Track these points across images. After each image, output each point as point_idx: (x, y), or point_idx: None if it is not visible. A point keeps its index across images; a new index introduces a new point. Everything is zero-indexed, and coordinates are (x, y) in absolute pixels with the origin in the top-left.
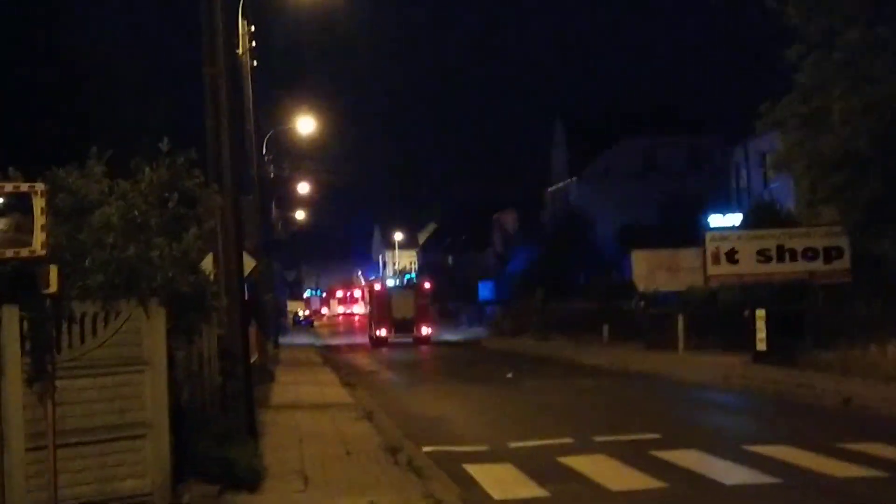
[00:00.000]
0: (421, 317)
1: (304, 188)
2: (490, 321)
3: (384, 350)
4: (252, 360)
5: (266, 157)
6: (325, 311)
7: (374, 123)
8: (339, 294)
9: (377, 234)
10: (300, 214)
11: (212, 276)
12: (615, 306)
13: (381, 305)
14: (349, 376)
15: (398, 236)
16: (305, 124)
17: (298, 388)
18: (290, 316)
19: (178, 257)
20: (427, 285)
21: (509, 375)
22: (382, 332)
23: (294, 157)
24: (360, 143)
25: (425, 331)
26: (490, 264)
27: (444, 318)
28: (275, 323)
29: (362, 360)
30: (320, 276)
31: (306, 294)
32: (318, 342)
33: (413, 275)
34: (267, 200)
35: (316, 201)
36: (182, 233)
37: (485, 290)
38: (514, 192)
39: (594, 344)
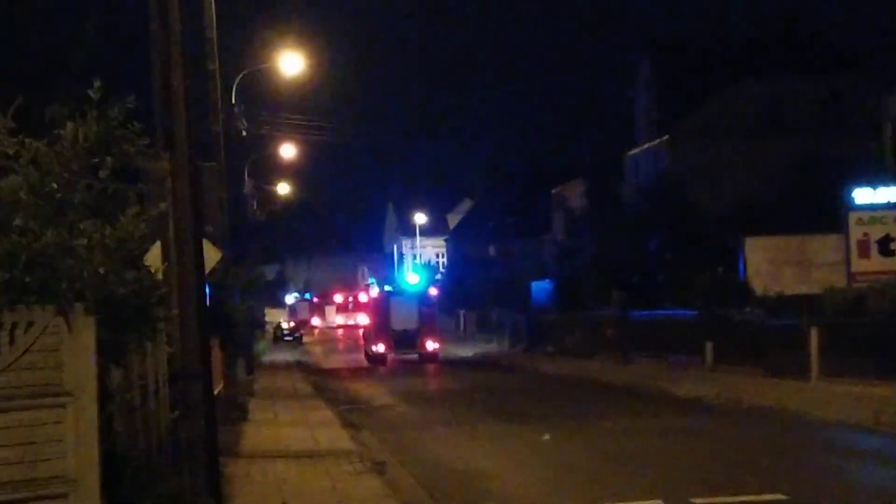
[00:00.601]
0: (426, 329)
1: (288, 152)
2: (546, 334)
3: (398, 376)
4: (216, 391)
5: (237, 109)
6: (316, 321)
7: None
8: (338, 299)
9: (391, 216)
10: (283, 188)
11: (160, 274)
12: (722, 316)
13: (378, 316)
14: (351, 412)
15: (420, 219)
16: (291, 63)
17: (281, 429)
18: (270, 329)
19: (112, 247)
20: (433, 291)
21: (546, 437)
22: (380, 348)
23: (276, 109)
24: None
25: (431, 346)
26: (548, 257)
27: (484, 329)
28: (248, 338)
29: (369, 390)
30: (311, 275)
31: (290, 298)
32: (308, 361)
33: (435, 273)
34: (237, 169)
35: (306, 171)
36: (119, 214)
37: (540, 293)
38: (582, 158)
39: (693, 368)
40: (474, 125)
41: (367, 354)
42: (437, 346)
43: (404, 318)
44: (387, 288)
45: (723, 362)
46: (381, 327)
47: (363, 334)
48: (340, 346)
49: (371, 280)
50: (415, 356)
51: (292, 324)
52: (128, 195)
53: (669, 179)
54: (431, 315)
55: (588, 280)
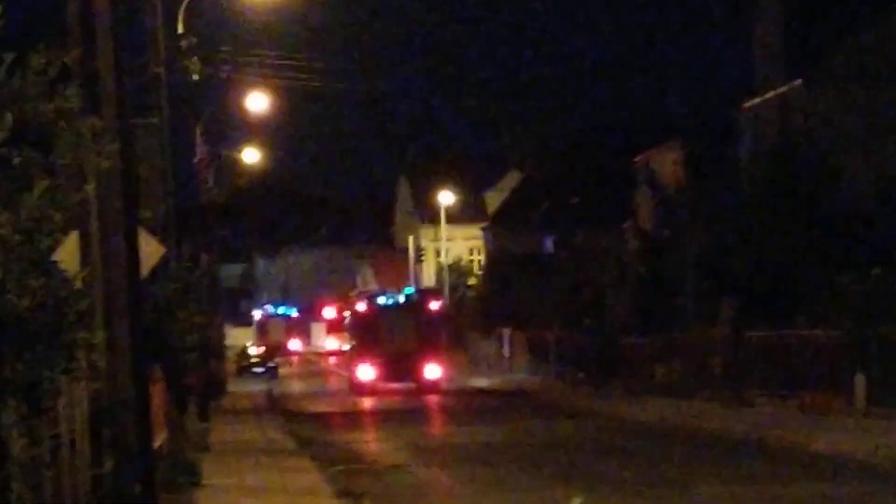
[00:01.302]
0: (426, 352)
1: (259, 104)
2: (626, 364)
3: (412, 423)
4: (157, 444)
5: (185, 43)
6: (296, 344)
7: None
8: (329, 314)
9: (404, 196)
10: (252, 156)
11: (78, 280)
12: (881, 337)
13: (365, 335)
14: (349, 475)
15: (446, 198)
16: None
17: (247, 499)
18: (232, 355)
19: (12, 242)
20: (435, 304)
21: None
22: (367, 375)
23: (242, 42)
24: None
25: (432, 373)
26: (629, 254)
27: (538, 356)
28: (202, 370)
29: (374, 443)
30: (290, 279)
31: (258, 313)
32: (284, 401)
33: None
34: (186, 129)
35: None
36: (22, 193)
37: (617, 306)
38: (676, 114)
39: (837, 411)
40: (523, 69)
41: (351, 383)
42: (439, 372)
43: (398, 338)
44: (379, 300)
45: (880, 403)
46: (368, 349)
47: (347, 358)
48: (331, 380)
49: (379, 296)
50: (411, 385)
51: (263, 349)
52: (35, 168)
53: (804, 141)
54: (434, 334)
55: (687, 286)
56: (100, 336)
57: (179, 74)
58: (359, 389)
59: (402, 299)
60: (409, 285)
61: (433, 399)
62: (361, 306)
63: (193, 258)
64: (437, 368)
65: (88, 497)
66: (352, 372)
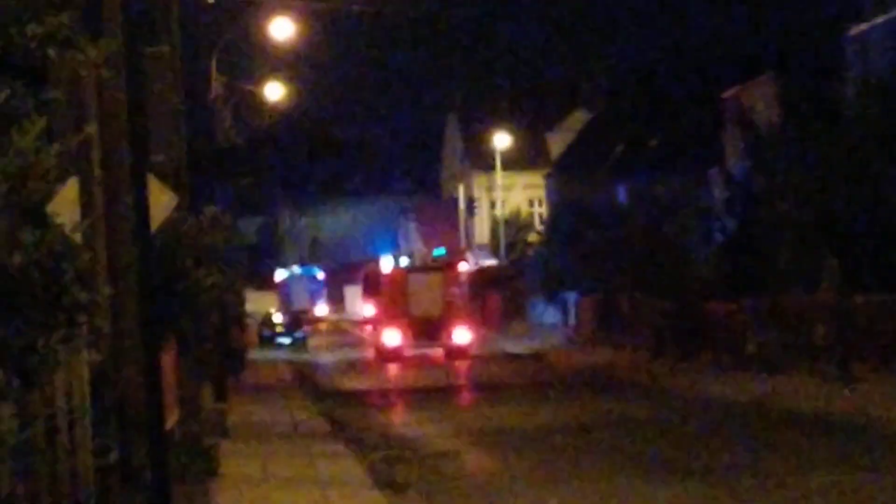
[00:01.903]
0: (453, 316)
1: (284, 31)
2: (711, 335)
3: (460, 405)
4: (168, 426)
5: None
6: (323, 309)
7: None
8: (374, 273)
9: (453, 137)
10: (275, 92)
11: (77, 234)
12: None
13: (391, 298)
14: (390, 463)
15: (501, 141)
16: None
17: (272, 493)
18: (254, 322)
19: (1, 190)
20: (463, 265)
21: None
22: (394, 340)
23: None
24: None
25: (461, 338)
26: (716, 204)
27: (609, 325)
28: (220, 340)
29: (417, 426)
30: (320, 236)
31: (281, 275)
32: (314, 376)
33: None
34: (201, 60)
35: (313, 63)
36: (10, 132)
37: (704, 265)
38: (770, 43)
39: None
40: None
41: (377, 349)
42: (469, 337)
43: (426, 302)
44: (403, 263)
45: None
46: (395, 314)
47: (372, 324)
48: (368, 352)
49: (436, 250)
50: (438, 351)
51: (284, 315)
52: (27, 104)
53: None
54: (461, 298)
55: (784, 243)
56: (103, 297)
57: None
58: (385, 355)
59: (428, 264)
60: (458, 241)
61: (484, 374)
62: (387, 269)
63: (209, 209)
64: (466, 333)
65: (90, 486)
66: (377, 337)
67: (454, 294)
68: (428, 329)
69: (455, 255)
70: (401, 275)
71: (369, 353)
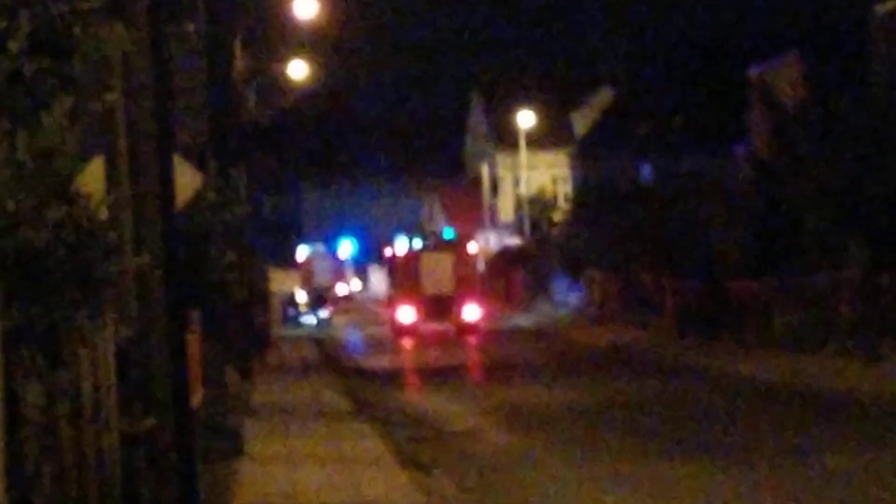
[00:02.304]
0: (465, 293)
1: (306, 9)
2: (737, 314)
3: (486, 382)
4: (194, 405)
5: None
6: (345, 288)
7: None
8: (389, 253)
9: (477, 115)
10: (299, 70)
11: (104, 210)
12: None
13: (405, 278)
14: (415, 443)
15: (525, 119)
16: None
17: (298, 471)
18: (277, 302)
19: (29, 166)
20: (472, 246)
21: None
22: (408, 317)
23: None
24: None
25: (471, 314)
26: (741, 183)
27: (634, 304)
28: (244, 318)
29: (442, 404)
30: (344, 215)
31: (304, 252)
32: (335, 356)
33: (448, 232)
34: (225, 39)
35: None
36: (39, 112)
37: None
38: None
39: None
40: None
41: (392, 325)
42: (479, 313)
43: (437, 281)
44: (415, 244)
45: None
46: (408, 292)
47: (387, 301)
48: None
49: (446, 231)
50: (450, 327)
51: (309, 292)
52: (54, 82)
53: None
54: (471, 276)
55: (810, 222)
56: (129, 273)
57: None
58: (399, 331)
59: (439, 241)
60: (482, 220)
61: (506, 352)
62: (400, 249)
63: (234, 188)
64: (476, 310)
65: (116, 465)
66: (392, 314)
67: (464, 273)
68: (440, 306)
69: (464, 235)
70: (413, 255)
71: (385, 330)
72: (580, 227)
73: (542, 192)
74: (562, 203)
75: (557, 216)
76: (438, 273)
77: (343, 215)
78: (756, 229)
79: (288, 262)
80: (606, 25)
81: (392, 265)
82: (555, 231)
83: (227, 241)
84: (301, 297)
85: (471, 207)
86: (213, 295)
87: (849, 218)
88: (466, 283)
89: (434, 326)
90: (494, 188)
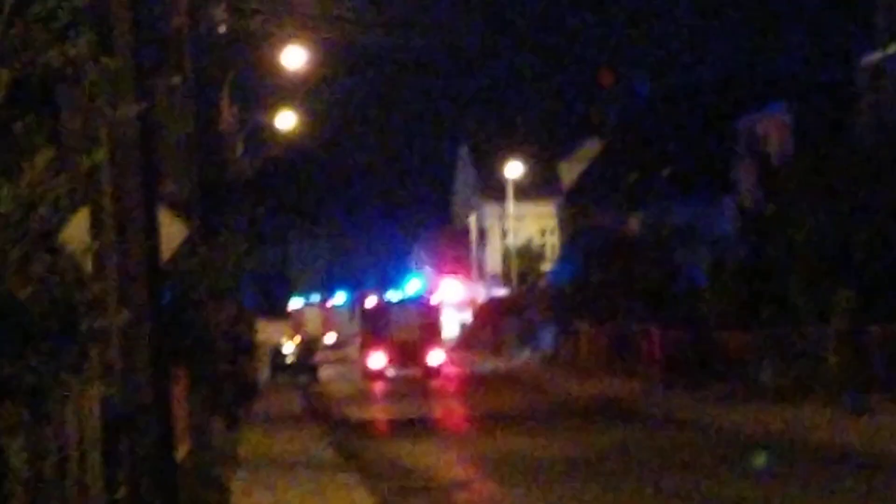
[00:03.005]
0: (428, 341)
1: (297, 60)
2: (724, 364)
3: (474, 435)
4: (180, 457)
5: None
6: (333, 337)
7: None
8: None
9: (465, 167)
10: (287, 121)
11: (88, 263)
12: None
13: (375, 326)
14: (402, 494)
15: (514, 170)
16: None
17: None
18: (266, 353)
19: (11, 218)
20: (435, 301)
21: None
22: (378, 363)
23: None
24: None
25: (435, 359)
26: (729, 233)
27: (622, 355)
28: (231, 370)
29: (431, 455)
30: (334, 265)
31: (293, 304)
32: (322, 406)
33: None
34: (212, 89)
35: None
36: (21, 161)
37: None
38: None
39: None
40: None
41: (363, 370)
42: (441, 359)
43: (404, 330)
44: (386, 297)
45: None
46: (378, 340)
47: (360, 348)
48: (378, 382)
49: (416, 276)
50: (416, 371)
51: (300, 345)
52: (37, 134)
53: None
54: (434, 326)
55: (797, 272)
56: (115, 328)
57: (204, 24)
58: (370, 375)
59: (405, 297)
60: (471, 270)
61: (492, 403)
62: (371, 303)
63: (221, 239)
64: (439, 355)
65: None
66: (364, 360)
67: (428, 322)
68: (406, 353)
69: (430, 289)
70: (383, 307)
71: (393, 387)
72: (568, 279)
73: (529, 242)
74: (550, 254)
75: (545, 267)
76: (405, 323)
77: (332, 265)
78: (744, 279)
79: (276, 312)
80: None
81: (364, 316)
82: (543, 282)
83: (214, 292)
84: (289, 348)
85: (459, 258)
86: (200, 346)
87: (836, 268)
88: (430, 331)
89: (401, 371)
90: (482, 239)
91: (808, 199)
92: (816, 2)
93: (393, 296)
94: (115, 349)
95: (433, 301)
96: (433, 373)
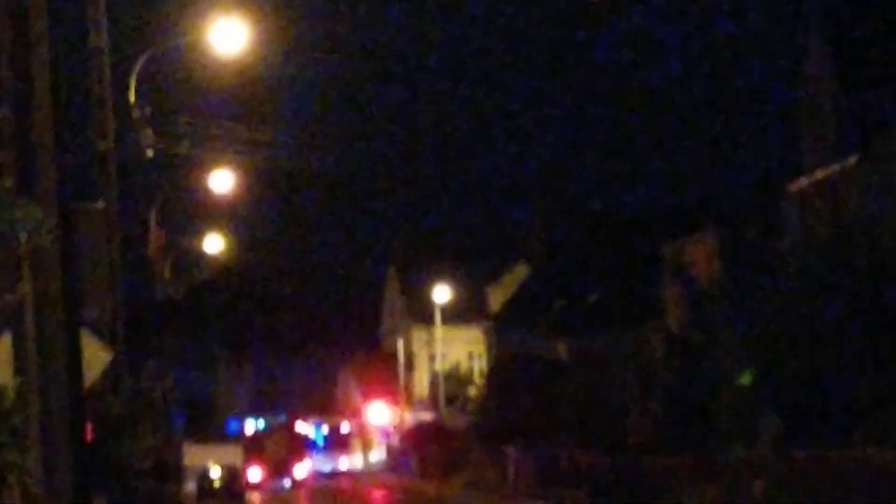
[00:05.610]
0: (295, 457)
1: (221, 185)
2: (651, 489)
3: None
4: None
5: (138, 112)
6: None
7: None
8: (302, 427)
9: (393, 291)
10: (214, 245)
11: (10, 393)
12: None
13: (254, 448)
14: None
15: (441, 295)
16: (227, 35)
17: None
18: (193, 479)
19: None
20: (299, 425)
21: None
22: (256, 477)
23: (203, 112)
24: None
25: (301, 472)
26: (657, 359)
27: (549, 480)
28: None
29: None
30: (261, 389)
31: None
32: None
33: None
34: (137, 214)
35: (252, 216)
36: None
37: (643, 420)
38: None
39: None
40: (528, 144)
41: (245, 483)
42: (306, 472)
43: (275, 450)
44: (259, 425)
45: None
46: (256, 458)
47: (241, 467)
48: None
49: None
50: (286, 482)
51: (219, 471)
52: None
53: (860, 228)
54: (299, 446)
55: (723, 397)
56: (35, 458)
57: (131, 148)
58: (250, 486)
59: (276, 422)
60: (398, 394)
61: None
62: (249, 429)
63: (143, 365)
64: (304, 468)
65: None
66: (244, 473)
67: (294, 444)
68: (278, 468)
69: (294, 417)
70: (259, 433)
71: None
72: (496, 403)
73: (457, 367)
74: (477, 379)
75: (473, 391)
76: (276, 444)
77: (258, 391)
78: (671, 404)
79: (203, 436)
80: (522, 200)
81: (245, 440)
82: (470, 407)
83: (139, 420)
84: (215, 472)
85: (386, 382)
86: (124, 473)
87: (763, 394)
88: (296, 450)
89: (274, 482)
90: (410, 363)
91: (735, 326)
92: (743, 128)
93: (265, 424)
94: (35, 479)
95: (297, 427)
96: (300, 483)
